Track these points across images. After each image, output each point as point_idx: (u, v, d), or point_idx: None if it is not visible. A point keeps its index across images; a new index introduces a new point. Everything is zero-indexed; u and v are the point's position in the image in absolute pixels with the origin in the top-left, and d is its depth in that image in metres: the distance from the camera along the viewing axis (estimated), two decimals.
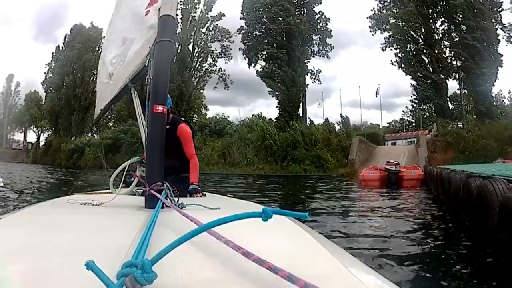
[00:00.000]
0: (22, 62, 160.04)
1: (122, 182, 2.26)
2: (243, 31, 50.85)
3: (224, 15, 54.46)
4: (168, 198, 1.90)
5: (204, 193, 3.28)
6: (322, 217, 9.29)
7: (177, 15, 2.74)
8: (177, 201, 1.96)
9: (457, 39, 41.43)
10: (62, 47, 72.87)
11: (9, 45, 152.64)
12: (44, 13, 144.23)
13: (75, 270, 0.78)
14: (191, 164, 3.54)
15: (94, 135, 67.28)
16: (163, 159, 2.09)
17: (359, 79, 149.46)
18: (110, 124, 65.64)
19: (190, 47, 54.55)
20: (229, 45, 54.77)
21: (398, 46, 45.10)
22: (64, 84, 66.40)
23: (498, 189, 5.64)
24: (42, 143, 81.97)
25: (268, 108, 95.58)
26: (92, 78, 63.12)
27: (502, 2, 40.61)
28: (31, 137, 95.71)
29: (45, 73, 77.02)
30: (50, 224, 1.50)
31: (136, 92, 2.63)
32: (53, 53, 76.73)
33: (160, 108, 2.03)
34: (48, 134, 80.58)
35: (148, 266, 0.69)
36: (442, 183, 11.49)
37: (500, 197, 5.43)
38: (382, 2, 46.12)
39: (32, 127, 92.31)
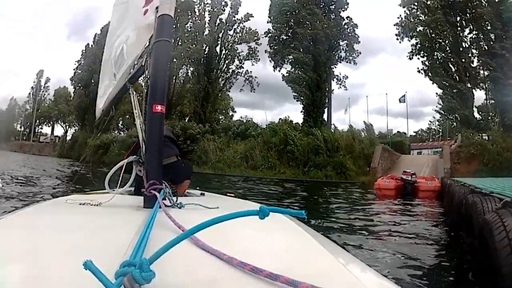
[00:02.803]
0: (55, 60, 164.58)
1: (119, 182, 2.31)
2: (270, 35, 50.82)
3: (252, 16, 54.59)
4: (166, 198, 1.90)
5: (202, 192, 3.26)
6: (326, 222, 9.53)
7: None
8: (176, 200, 1.95)
9: (485, 48, 40.50)
10: (91, 45, 73.86)
11: (43, 44, 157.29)
12: (78, 14, 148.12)
13: (73, 270, 0.80)
14: None
15: (120, 132, 67.98)
16: (162, 159, 2.13)
17: (388, 86, 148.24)
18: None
19: (218, 49, 54.85)
20: (257, 47, 54.87)
21: (425, 54, 44.50)
22: (93, 81, 66.89)
23: (487, 207, 5.42)
24: (68, 137, 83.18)
25: (296, 112, 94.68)
26: None
27: None
28: (59, 131, 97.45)
29: (74, 69, 78.30)
30: (49, 224, 1.51)
31: (134, 92, 2.63)
32: (82, 50, 78.06)
33: (159, 107, 2.05)
34: (75, 129, 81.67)
35: (146, 265, 0.70)
36: (451, 197, 11.26)
37: (482, 217, 5.06)
38: (410, 9, 45.66)
39: (60, 121, 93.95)
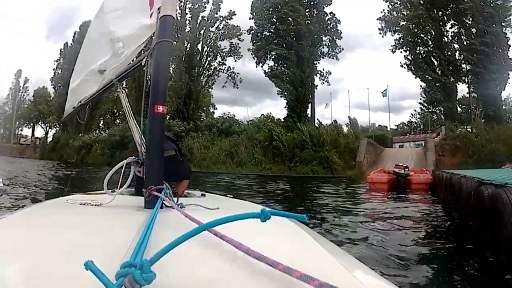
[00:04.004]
0: (34, 60, 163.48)
1: (119, 183, 2.26)
2: (252, 31, 50.84)
3: (235, 14, 54.69)
4: (167, 198, 1.86)
5: (203, 193, 3.29)
6: (326, 218, 9.35)
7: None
8: (177, 201, 1.95)
9: (466, 42, 41.07)
10: (71, 44, 73.02)
11: (22, 44, 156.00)
12: (56, 14, 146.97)
13: (74, 270, 0.80)
14: None
15: (102, 132, 67.44)
16: (163, 159, 2.10)
17: (365, 81, 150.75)
18: (118, 121, 65.91)
19: (199, 46, 54.83)
20: (238, 43, 55.14)
21: (408, 48, 45.01)
22: None
23: None
24: (50, 139, 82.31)
25: (276, 108, 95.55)
26: None
27: None
28: (39, 132, 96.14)
29: (53, 69, 77.56)
30: (50, 224, 1.51)
31: (124, 91, 2.66)
32: (61, 49, 77.35)
33: (160, 108, 2.04)
34: (56, 130, 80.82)
35: (147, 266, 0.69)
36: (451, 189, 11.20)
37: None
38: (392, 3, 46.00)
39: (40, 122, 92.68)
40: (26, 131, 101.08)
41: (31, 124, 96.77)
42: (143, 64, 2.35)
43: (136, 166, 2.32)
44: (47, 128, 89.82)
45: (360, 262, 1.28)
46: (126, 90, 2.48)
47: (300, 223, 1.60)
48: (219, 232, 0.97)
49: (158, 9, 2.29)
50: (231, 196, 3.72)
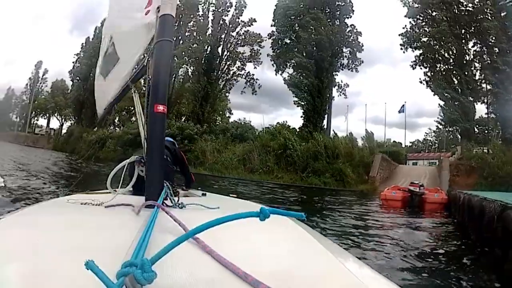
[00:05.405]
0: (56, 53, 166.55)
1: (121, 182, 2.26)
2: (273, 37, 50.93)
3: (255, 21, 54.80)
4: (168, 198, 1.92)
5: (204, 193, 3.34)
6: (339, 233, 9.40)
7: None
8: (177, 201, 1.97)
9: (488, 61, 40.63)
10: (92, 39, 73.51)
11: (44, 38, 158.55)
12: (83, 8, 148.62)
13: (75, 270, 0.79)
14: None
15: (116, 128, 67.73)
16: (164, 159, 2.11)
17: (382, 96, 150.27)
18: (134, 118, 66.19)
19: (220, 49, 55.06)
20: (259, 50, 55.18)
21: (428, 65, 44.69)
22: (91, 75, 66.46)
23: None
24: (64, 131, 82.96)
25: (291, 117, 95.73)
26: None
27: None
28: (54, 124, 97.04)
29: (73, 62, 78.05)
30: (50, 224, 1.51)
31: (136, 92, 2.70)
32: (82, 44, 77.84)
33: (160, 107, 2.03)
34: (71, 123, 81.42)
35: (148, 265, 0.70)
36: (471, 211, 10.99)
37: None
38: (415, 20, 45.76)
39: (56, 114, 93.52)
40: (42, 122, 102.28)
41: (47, 115, 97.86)
42: (145, 63, 2.39)
43: (139, 165, 2.34)
44: (62, 120, 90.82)
45: (360, 261, 1.30)
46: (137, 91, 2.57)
47: (300, 222, 1.64)
48: (200, 239, 1.03)
49: (158, 8, 2.30)
50: (234, 196, 3.75)
